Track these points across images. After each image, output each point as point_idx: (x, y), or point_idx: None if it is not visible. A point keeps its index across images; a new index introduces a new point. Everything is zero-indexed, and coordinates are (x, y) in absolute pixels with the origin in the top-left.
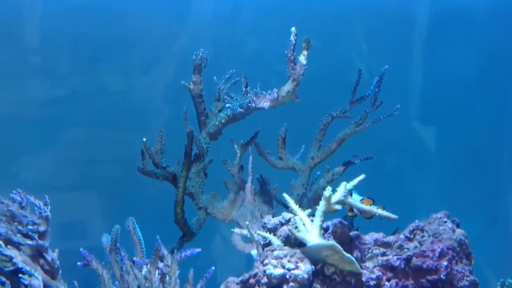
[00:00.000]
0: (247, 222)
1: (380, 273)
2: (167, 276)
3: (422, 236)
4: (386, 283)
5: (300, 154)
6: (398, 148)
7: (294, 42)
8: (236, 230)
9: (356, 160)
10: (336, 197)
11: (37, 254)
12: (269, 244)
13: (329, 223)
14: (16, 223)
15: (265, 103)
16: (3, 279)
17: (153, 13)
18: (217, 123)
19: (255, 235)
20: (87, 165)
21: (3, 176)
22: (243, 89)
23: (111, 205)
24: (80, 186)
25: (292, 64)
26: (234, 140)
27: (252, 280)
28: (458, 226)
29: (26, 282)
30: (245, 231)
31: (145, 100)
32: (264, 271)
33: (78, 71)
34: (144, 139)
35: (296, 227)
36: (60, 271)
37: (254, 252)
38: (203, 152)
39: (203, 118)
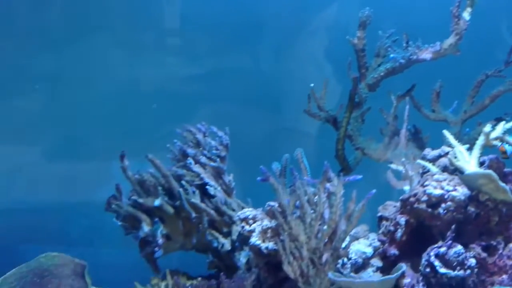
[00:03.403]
0: (403, 159)
1: None
2: (332, 195)
3: None
4: None
5: (452, 109)
6: None
7: None
8: (393, 165)
9: (507, 117)
10: (495, 133)
11: (217, 176)
12: (427, 172)
13: (485, 158)
14: (201, 149)
15: (427, 55)
16: (194, 188)
17: None
18: (376, 75)
19: (410, 172)
20: None
21: (147, 144)
22: (404, 44)
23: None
24: None
25: (456, 20)
26: (391, 91)
27: (412, 199)
28: None
29: (212, 192)
30: (401, 167)
31: (280, 79)
32: (424, 191)
33: (217, 52)
34: (312, 85)
35: (456, 157)
36: (235, 191)
37: (406, 187)
38: (362, 100)
39: (364, 71)
